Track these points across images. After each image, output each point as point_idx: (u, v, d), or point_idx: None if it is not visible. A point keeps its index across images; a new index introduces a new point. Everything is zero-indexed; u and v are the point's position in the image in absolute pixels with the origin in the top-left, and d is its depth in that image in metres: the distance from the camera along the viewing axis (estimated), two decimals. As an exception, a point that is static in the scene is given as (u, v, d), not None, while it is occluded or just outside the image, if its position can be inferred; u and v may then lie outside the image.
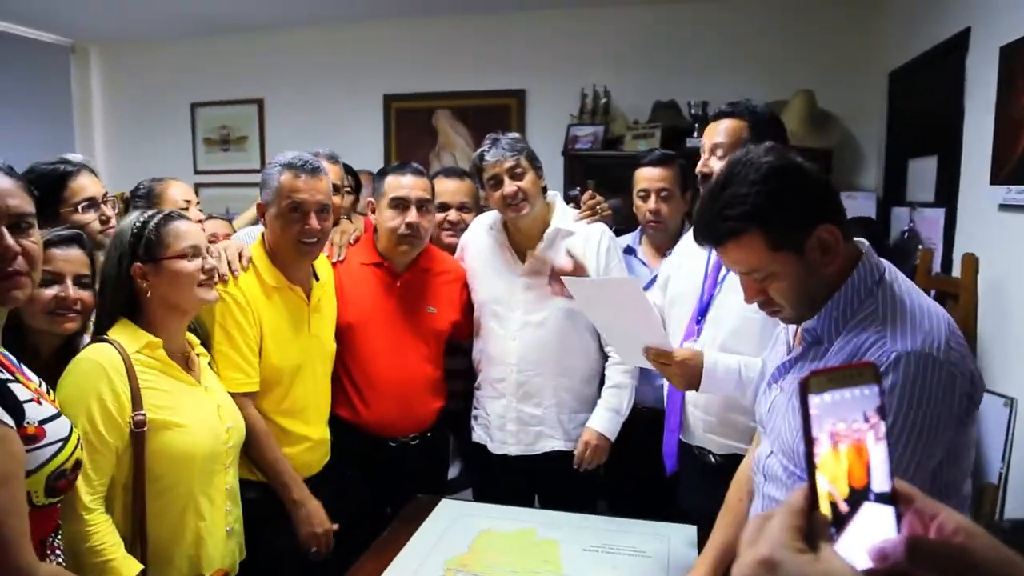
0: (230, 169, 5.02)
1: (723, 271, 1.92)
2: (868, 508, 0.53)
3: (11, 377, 1.17)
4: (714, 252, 1.96)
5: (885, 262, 1.29)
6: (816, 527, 0.51)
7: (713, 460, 1.94)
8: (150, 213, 1.70)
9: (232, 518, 1.75)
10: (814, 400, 0.52)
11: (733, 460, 1.86)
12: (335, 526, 1.99)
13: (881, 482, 0.53)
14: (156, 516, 1.57)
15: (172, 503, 1.59)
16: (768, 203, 1.19)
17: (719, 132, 1.91)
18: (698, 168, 1.94)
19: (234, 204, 4.59)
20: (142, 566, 1.49)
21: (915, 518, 0.53)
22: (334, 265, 2.27)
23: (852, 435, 0.53)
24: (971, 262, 2.49)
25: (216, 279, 1.70)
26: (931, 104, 3.13)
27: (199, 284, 1.65)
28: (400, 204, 2.22)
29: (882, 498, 0.53)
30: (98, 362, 1.52)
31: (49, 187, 1.88)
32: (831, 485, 0.52)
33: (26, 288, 1.19)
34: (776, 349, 1.47)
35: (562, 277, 2.12)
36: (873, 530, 0.52)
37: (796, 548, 0.49)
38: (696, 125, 3.91)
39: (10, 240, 1.16)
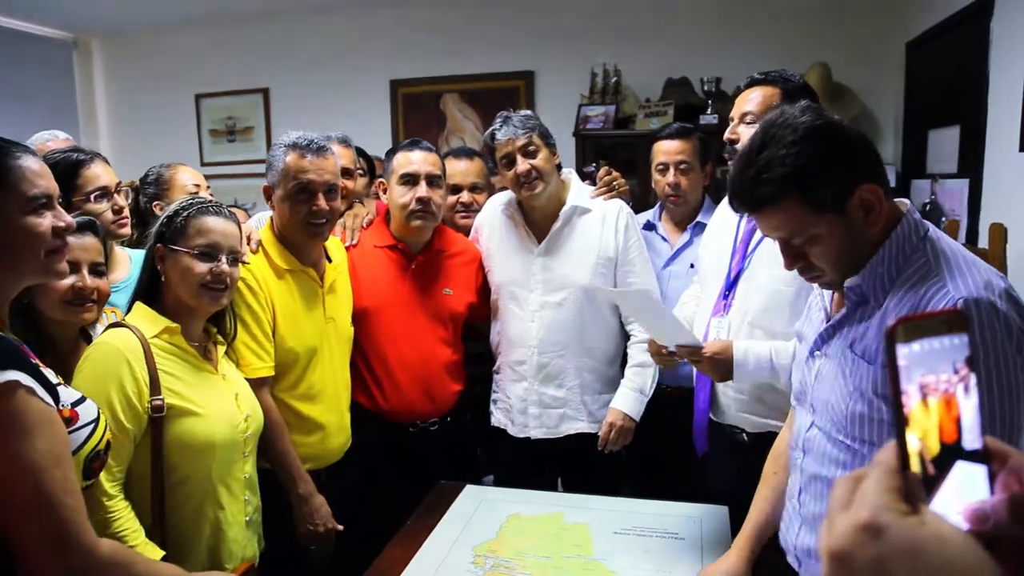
0: (237, 160, 4.98)
1: (751, 244, 1.87)
2: (960, 467, 0.48)
3: (37, 362, 1.15)
4: (742, 226, 1.93)
5: (928, 222, 1.24)
6: (911, 487, 0.46)
7: (745, 438, 1.89)
8: (197, 200, 1.67)
9: (251, 508, 1.71)
10: (902, 350, 0.48)
11: (765, 438, 1.81)
12: (340, 527, 1.95)
13: (972, 439, 0.49)
14: (175, 506, 1.54)
15: (191, 493, 1.56)
16: (807, 165, 1.13)
17: (750, 100, 1.86)
18: (726, 135, 1.88)
19: (242, 195, 4.56)
20: (163, 552, 1.46)
21: (1011, 477, 0.48)
22: (347, 249, 2.23)
23: (942, 388, 0.48)
24: (999, 232, 2.43)
25: (227, 286, 1.62)
26: (952, 73, 3.06)
27: (203, 285, 1.59)
28: (410, 180, 2.17)
29: (973, 456, 0.48)
30: (116, 346, 1.48)
31: (61, 176, 1.83)
32: (921, 443, 0.48)
33: (65, 264, 1.25)
34: (811, 318, 1.42)
35: (594, 287, 2.12)
36: (965, 490, 0.48)
37: (901, 511, 0.44)
38: (709, 102, 3.85)
39: (68, 216, 1.21)
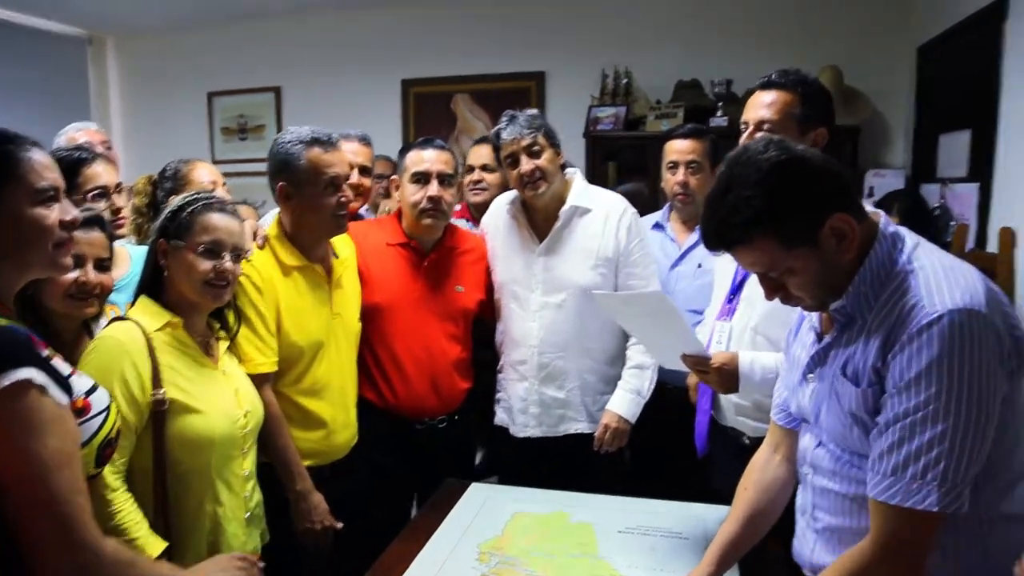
0: (248, 158, 5.01)
1: None
2: None
3: (48, 354, 1.16)
4: None
5: (903, 229, 1.24)
6: None
7: (747, 442, 1.88)
8: (201, 195, 1.67)
9: (252, 503, 1.71)
10: None
11: None
12: (339, 524, 1.94)
13: None
14: (175, 502, 1.55)
15: (190, 488, 1.57)
16: (774, 204, 1.14)
17: (766, 105, 1.79)
18: (742, 142, 1.82)
19: (253, 194, 4.55)
20: (166, 543, 1.47)
21: None
22: (358, 245, 2.23)
23: None
24: (1008, 236, 2.44)
25: (229, 283, 1.64)
26: (963, 77, 3.05)
27: (206, 282, 1.59)
28: (422, 178, 2.18)
29: None
30: (119, 340, 1.50)
31: (62, 173, 1.85)
32: None
33: (70, 259, 1.23)
34: (801, 339, 1.41)
35: (593, 292, 2.09)
36: None
37: None
38: (720, 104, 3.84)
39: (75, 210, 1.21)
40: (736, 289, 1.89)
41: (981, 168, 2.77)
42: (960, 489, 1.07)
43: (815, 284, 1.20)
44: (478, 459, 2.59)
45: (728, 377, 1.69)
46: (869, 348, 1.17)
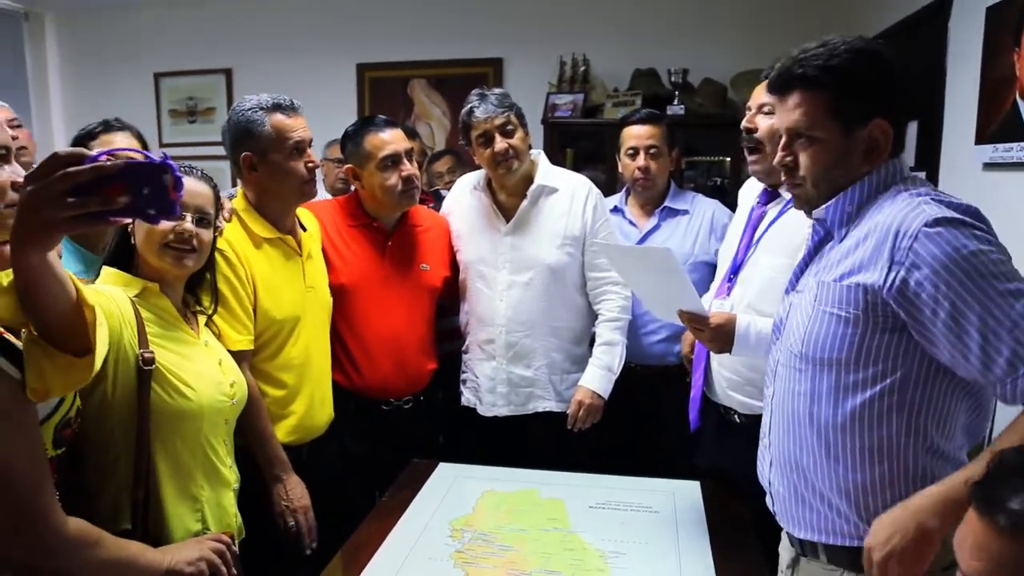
0: (198, 142, 4.88)
1: (758, 232, 1.89)
2: None
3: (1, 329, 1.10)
4: (754, 212, 1.95)
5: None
6: None
7: (737, 420, 1.90)
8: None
9: (235, 479, 1.66)
10: None
11: (758, 420, 1.84)
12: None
13: None
14: (163, 474, 1.46)
15: (179, 460, 1.48)
16: (851, 69, 1.21)
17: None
18: (744, 123, 1.86)
19: (202, 177, 4.46)
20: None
21: None
22: (320, 224, 2.20)
23: None
24: (955, 222, 2.51)
25: (194, 249, 1.53)
26: (909, 71, 3.15)
27: (165, 244, 1.50)
28: (393, 161, 2.16)
29: None
30: (103, 293, 1.40)
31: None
32: None
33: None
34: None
35: (595, 241, 2.13)
36: None
37: None
38: (676, 93, 3.89)
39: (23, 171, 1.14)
40: (736, 270, 1.93)
41: (928, 156, 2.87)
42: None
43: (825, 169, 1.26)
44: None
45: (723, 337, 1.69)
46: (862, 249, 1.21)
